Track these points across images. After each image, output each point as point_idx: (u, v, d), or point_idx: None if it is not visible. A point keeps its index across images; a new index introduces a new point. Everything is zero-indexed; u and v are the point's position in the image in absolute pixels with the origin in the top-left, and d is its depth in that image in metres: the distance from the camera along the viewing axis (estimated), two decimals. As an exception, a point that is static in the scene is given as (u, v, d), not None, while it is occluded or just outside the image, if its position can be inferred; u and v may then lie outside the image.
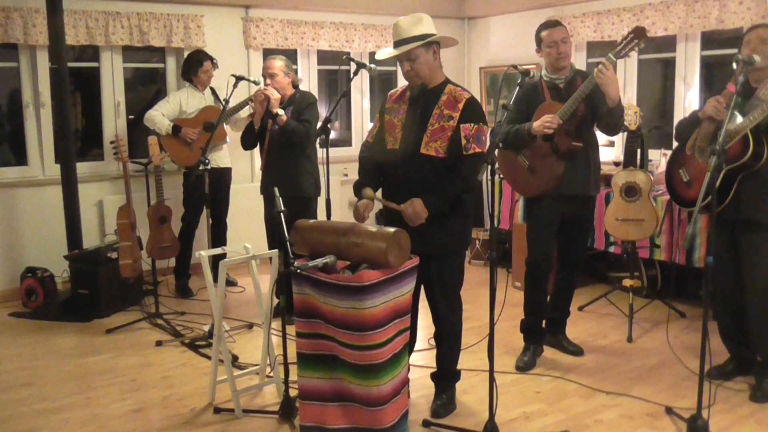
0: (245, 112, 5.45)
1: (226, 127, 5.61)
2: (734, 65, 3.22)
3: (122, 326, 4.81)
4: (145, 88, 6.63)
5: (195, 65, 5.53)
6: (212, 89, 5.69)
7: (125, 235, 5.07)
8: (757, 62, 3.24)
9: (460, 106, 3.20)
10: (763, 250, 3.53)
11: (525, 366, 4.04)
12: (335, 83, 7.50)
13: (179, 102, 5.51)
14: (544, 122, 3.77)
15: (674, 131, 3.81)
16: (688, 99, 5.61)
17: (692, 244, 4.77)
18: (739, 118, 3.37)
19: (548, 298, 4.26)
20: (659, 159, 5.48)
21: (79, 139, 6.17)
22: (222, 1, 6.09)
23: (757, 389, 3.63)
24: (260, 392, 3.78)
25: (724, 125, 3.11)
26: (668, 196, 4.95)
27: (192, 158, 5.41)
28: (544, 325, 4.25)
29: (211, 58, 5.60)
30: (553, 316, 4.30)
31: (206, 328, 4.55)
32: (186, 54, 5.73)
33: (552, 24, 3.95)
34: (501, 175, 5.96)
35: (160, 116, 5.38)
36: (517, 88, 3.06)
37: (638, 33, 3.74)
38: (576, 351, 4.26)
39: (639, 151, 4.66)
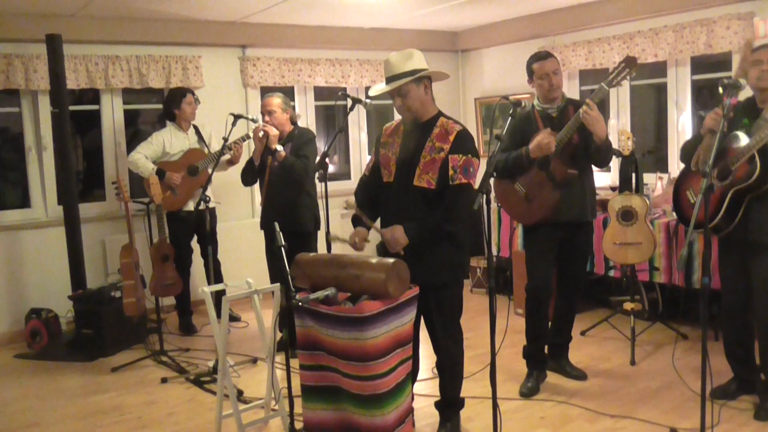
0: (227, 156, 5.46)
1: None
2: (720, 89, 3.27)
3: (127, 364, 4.83)
4: (145, 128, 6.72)
5: (177, 98, 5.48)
6: (195, 127, 5.63)
7: (128, 273, 5.10)
8: (743, 85, 3.29)
9: (451, 138, 3.25)
10: None
11: (529, 392, 4.06)
12: (333, 118, 7.60)
13: (162, 143, 5.46)
14: (541, 142, 3.83)
15: (680, 153, 3.86)
16: (681, 122, 5.69)
17: (690, 266, 4.79)
18: (745, 139, 3.40)
19: (549, 323, 4.28)
20: (655, 182, 5.54)
21: (80, 180, 6.25)
22: (219, 41, 6.21)
23: (760, 408, 3.63)
24: (266, 426, 3.79)
25: (714, 144, 3.13)
26: (666, 218, 5.03)
27: (176, 203, 5.42)
28: (546, 351, 4.27)
29: (192, 92, 5.58)
30: (555, 342, 4.32)
31: (211, 363, 4.57)
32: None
33: (543, 56, 4.02)
34: (499, 204, 6.01)
35: (143, 159, 5.34)
36: (510, 118, 3.11)
37: (629, 62, 3.82)
38: (579, 375, 4.27)
39: (634, 175, 4.72)
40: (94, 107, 5.99)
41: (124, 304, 5.10)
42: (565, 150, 3.90)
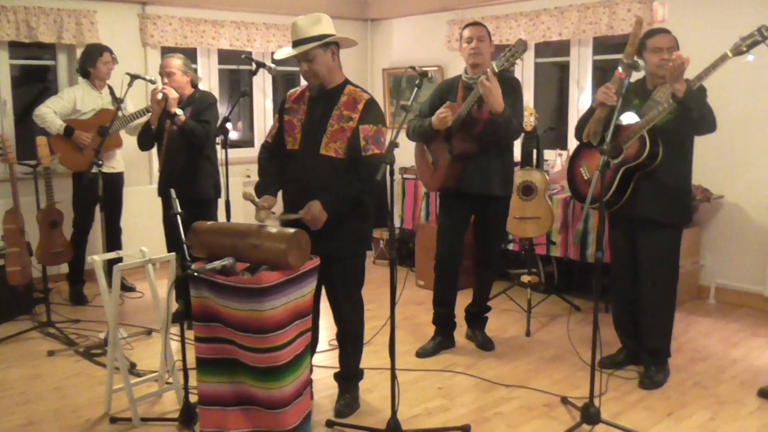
0: (144, 119, 5.23)
1: (122, 133, 5.37)
2: (619, 69, 3.36)
3: (10, 336, 4.56)
4: (34, 85, 6.32)
5: (94, 56, 5.21)
6: (110, 88, 5.38)
7: (13, 240, 4.81)
8: (641, 66, 3.39)
9: (360, 107, 3.21)
10: (656, 247, 3.69)
11: (423, 353, 4.16)
12: (237, 83, 7.39)
13: (74, 99, 5.19)
14: (439, 114, 3.90)
15: (575, 130, 3.93)
16: (581, 101, 5.84)
17: (585, 241, 4.96)
18: (635, 119, 3.52)
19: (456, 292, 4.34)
20: (554, 159, 5.68)
21: (-39, 139, 5.82)
22: (116, -4, 5.89)
23: (645, 377, 3.81)
24: (159, 399, 3.67)
25: (612, 121, 3.21)
26: (564, 194, 5.17)
27: (84, 163, 5.12)
28: (465, 318, 4.36)
29: (110, 50, 5.31)
30: (470, 310, 4.43)
31: (102, 335, 4.39)
32: (79, 51, 5.48)
33: (472, 23, 4.07)
34: (404, 175, 6.05)
35: (51, 114, 5.06)
36: (416, 88, 3.09)
37: (519, 45, 3.73)
38: (486, 346, 4.35)
39: (535, 151, 4.82)
40: (-23, 61, 5.57)
41: (8, 272, 4.81)
42: (466, 123, 3.91)
